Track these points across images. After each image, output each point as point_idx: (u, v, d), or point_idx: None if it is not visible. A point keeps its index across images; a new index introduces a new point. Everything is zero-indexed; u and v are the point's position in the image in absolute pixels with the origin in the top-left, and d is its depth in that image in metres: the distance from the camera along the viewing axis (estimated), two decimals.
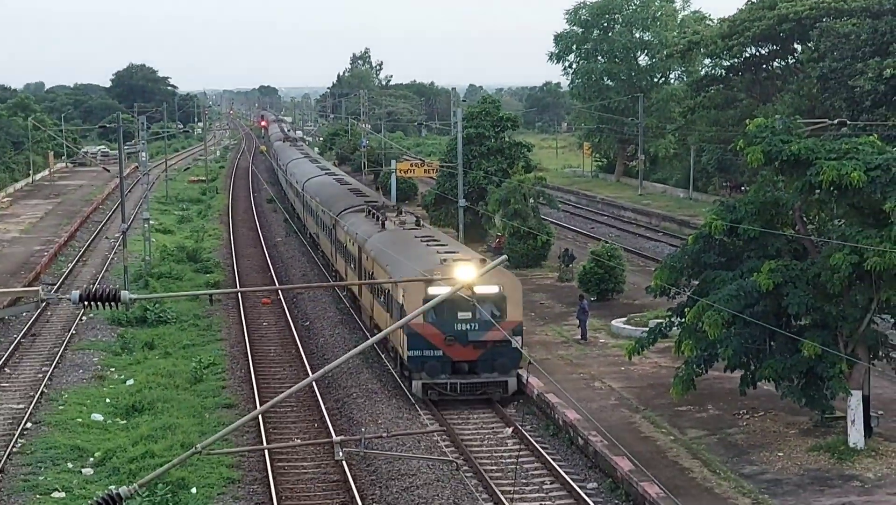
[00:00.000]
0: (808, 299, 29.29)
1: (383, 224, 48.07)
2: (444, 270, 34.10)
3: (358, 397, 37.61)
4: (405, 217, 51.53)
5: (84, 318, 50.67)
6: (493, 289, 35.33)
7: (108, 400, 37.86)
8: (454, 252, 39.20)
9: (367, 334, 44.39)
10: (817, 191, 29.52)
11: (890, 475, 28.35)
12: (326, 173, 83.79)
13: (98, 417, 35.99)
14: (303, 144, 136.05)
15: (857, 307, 29.30)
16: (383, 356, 41.31)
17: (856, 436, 29.97)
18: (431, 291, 34.09)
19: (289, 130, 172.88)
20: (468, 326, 34.66)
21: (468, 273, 31.25)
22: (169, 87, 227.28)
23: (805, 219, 31.55)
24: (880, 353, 31.12)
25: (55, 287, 58.32)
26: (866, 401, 30.56)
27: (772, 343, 30.51)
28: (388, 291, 38.54)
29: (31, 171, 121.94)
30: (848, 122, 55.03)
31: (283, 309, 52.35)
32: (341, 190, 68.15)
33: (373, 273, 43.69)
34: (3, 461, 31.61)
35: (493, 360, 34.73)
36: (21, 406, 37.48)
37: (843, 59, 73.30)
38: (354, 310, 51.00)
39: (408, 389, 35.51)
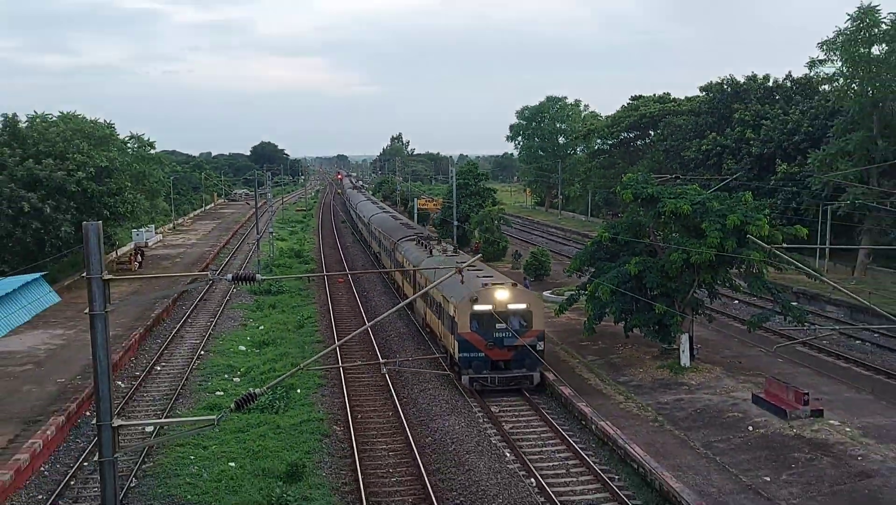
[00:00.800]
0: (658, 280, 29.39)
1: (431, 251, 40.48)
2: (486, 293, 28.58)
3: (395, 337, 37.68)
4: (445, 246, 43.57)
5: (234, 290, 50.70)
6: (522, 305, 28.76)
7: (248, 338, 37.96)
8: (489, 276, 31.98)
9: (419, 330, 37.29)
10: (662, 216, 29.60)
11: (705, 382, 28.46)
12: (384, 212, 73.26)
13: (242, 348, 36.09)
14: (366, 191, 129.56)
15: (686, 284, 29.40)
16: (438, 355, 32.53)
17: (684, 359, 30.07)
18: (476, 308, 28.25)
19: (357, 182, 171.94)
20: (504, 334, 28.22)
21: (503, 295, 28.54)
22: (284, 155, 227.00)
23: (656, 233, 31.66)
24: (699, 311, 31.23)
25: (218, 272, 58.39)
26: (691, 339, 30.66)
27: (637, 305, 30.64)
28: (440, 305, 31.66)
29: (203, 204, 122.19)
30: (681, 177, 54.96)
31: (351, 285, 52.28)
32: (396, 224, 58.89)
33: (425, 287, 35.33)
34: (187, 374, 31.75)
35: (522, 359, 28.41)
36: (197, 341, 37.60)
37: (678, 139, 73.45)
38: (409, 309, 41.38)
39: (457, 382, 29.11)
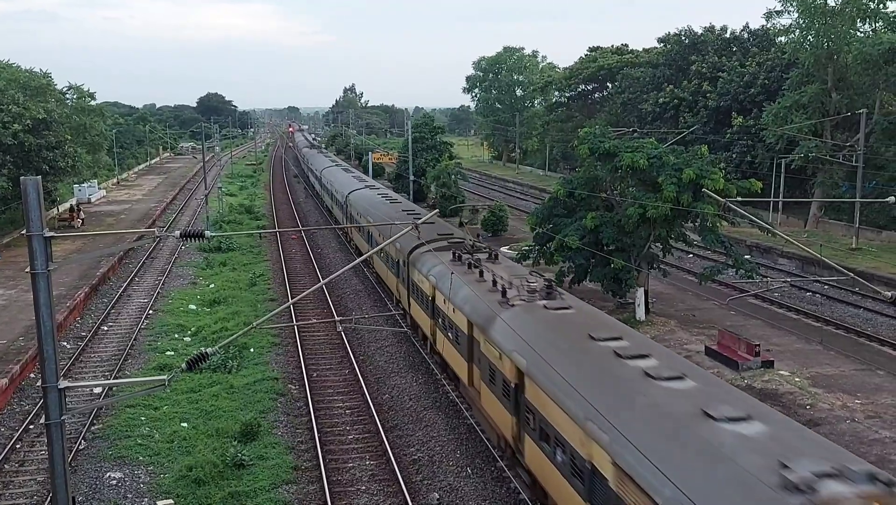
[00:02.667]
0: (615, 234, 29.83)
1: (504, 292, 19.23)
2: None
3: (350, 294, 37.64)
4: (528, 278, 21.12)
5: (183, 247, 49.95)
6: None
7: (198, 297, 37.55)
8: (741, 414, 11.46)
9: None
10: (619, 171, 29.90)
11: (659, 335, 29.12)
12: (367, 186, 51.14)
13: (193, 306, 35.72)
14: (327, 151, 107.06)
15: (642, 239, 29.92)
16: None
17: (640, 312, 30.73)
18: None
19: (314, 139, 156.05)
20: None
21: None
22: (232, 107, 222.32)
23: (612, 187, 31.98)
24: (654, 265, 31.82)
25: (165, 228, 57.43)
26: (646, 293, 31.32)
27: (593, 260, 31.06)
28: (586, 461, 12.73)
29: (148, 158, 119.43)
30: (638, 130, 55.52)
31: (305, 242, 51.87)
32: (398, 212, 36.47)
33: (522, 387, 16.00)
34: (136, 334, 31.37)
35: None
36: (146, 300, 37.08)
37: (635, 92, 73.87)
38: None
39: None
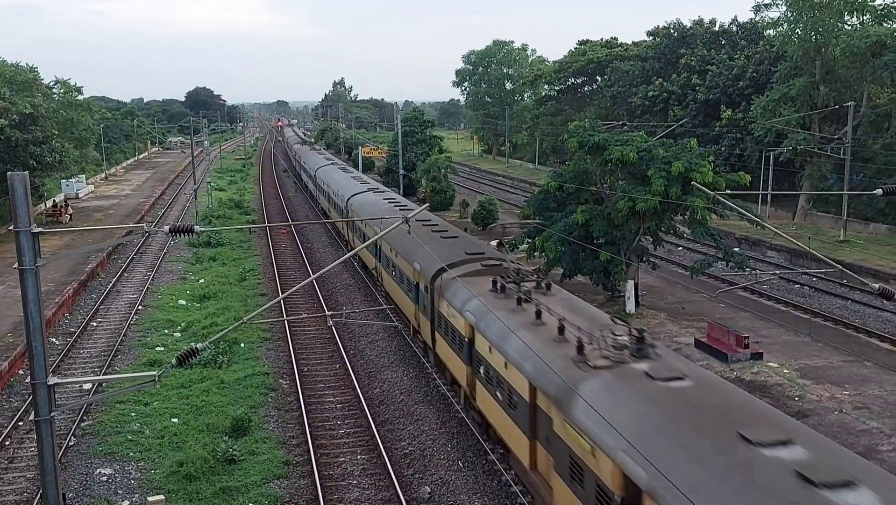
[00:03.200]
0: (604, 227, 29.90)
1: (580, 348, 13.75)
2: None
3: (341, 289, 37.57)
4: (612, 327, 15.14)
5: (172, 242, 49.72)
6: None
7: (188, 292, 37.39)
8: None
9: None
10: (609, 164, 29.95)
11: (649, 328, 29.14)
12: (371, 190, 44.62)
13: (182, 302, 35.57)
14: (320, 149, 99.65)
15: (631, 232, 29.98)
16: None
17: (630, 305, 30.84)
18: None
19: (305, 134, 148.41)
20: None
21: None
22: (221, 101, 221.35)
23: (602, 181, 32.03)
24: (644, 258, 31.92)
25: (154, 224, 57.13)
26: (636, 286, 31.41)
27: (583, 253, 31.12)
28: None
29: (136, 153, 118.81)
30: (627, 124, 55.68)
31: (294, 237, 51.70)
32: (413, 223, 19.98)
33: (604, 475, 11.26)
34: (125, 330, 31.23)
35: None
36: (135, 296, 36.89)
37: (625, 85, 73.99)
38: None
39: None
